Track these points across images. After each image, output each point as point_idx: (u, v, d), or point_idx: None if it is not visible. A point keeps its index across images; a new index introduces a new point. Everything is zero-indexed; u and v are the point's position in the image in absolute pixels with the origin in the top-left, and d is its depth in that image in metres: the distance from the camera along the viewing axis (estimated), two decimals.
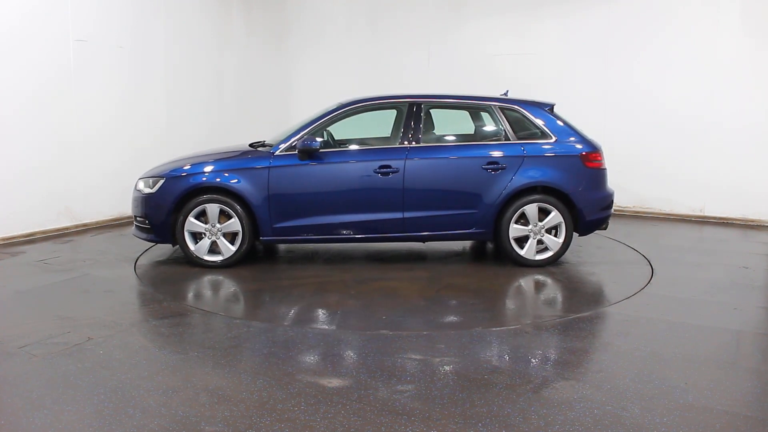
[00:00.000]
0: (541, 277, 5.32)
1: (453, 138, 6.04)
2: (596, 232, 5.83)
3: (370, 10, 10.25)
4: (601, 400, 3.03)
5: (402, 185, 5.40)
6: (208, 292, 4.96)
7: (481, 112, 5.99)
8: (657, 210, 8.57)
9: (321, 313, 4.39)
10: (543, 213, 5.50)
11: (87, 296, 4.69)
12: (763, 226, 7.78)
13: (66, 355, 3.50)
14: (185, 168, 5.50)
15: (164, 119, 8.29)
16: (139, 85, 7.88)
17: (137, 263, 5.67)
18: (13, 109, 6.40)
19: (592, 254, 6.16)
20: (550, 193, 5.51)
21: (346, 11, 10.43)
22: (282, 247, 6.41)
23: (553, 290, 5.07)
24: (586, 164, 5.51)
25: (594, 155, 5.56)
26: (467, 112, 6.11)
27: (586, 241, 6.49)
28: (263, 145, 5.87)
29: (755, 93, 7.80)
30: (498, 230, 5.50)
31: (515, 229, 5.49)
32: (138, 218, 5.66)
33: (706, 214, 8.24)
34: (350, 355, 3.66)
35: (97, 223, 7.41)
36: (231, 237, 5.45)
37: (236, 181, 5.37)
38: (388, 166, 5.41)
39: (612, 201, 5.73)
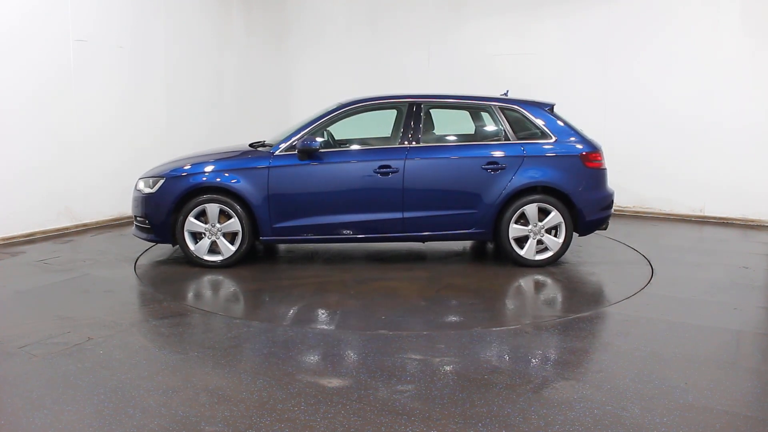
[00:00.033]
0: (541, 277, 5.32)
1: (453, 138, 6.05)
2: (596, 232, 5.83)
3: (370, 10, 10.24)
4: (601, 400, 3.03)
5: (402, 185, 5.40)
6: (208, 292, 4.96)
7: (481, 112, 5.99)
8: (657, 210, 8.57)
9: (321, 313, 4.39)
10: (543, 213, 5.49)
11: (87, 296, 4.69)
12: (763, 226, 7.78)
13: (66, 355, 3.51)
14: (185, 168, 5.50)
15: (164, 119, 8.29)
16: (139, 85, 7.88)
17: (137, 263, 5.68)
18: (13, 109, 6.40)
19: (592, 254, 6.16)
20: (550, 193, 5.51)
21: (346, 11, 10.43)
22: (282, 247, 6.41)
23: (553, 290, 5.07)
24: (586, 164, 5.51)
25: (594, 155, 5.56)
26: (467, 112, 6.11)
27: (586, 241, 6.49)
28: (263, 145, 5.87)
29: (755, 93, 7.80)
30: (498, 230, 5.50)
31: (515, 229, 5.49)
32: (138, 218, 5.66)
33: (706, 214, 8.24)
34: (350, 355, 3.66)
35: (97, 223, 7.41)
36: (231, 237, 5.45)
37: (236, 181, 5.37)
38: (388, 166, 5.41)
39: (612, 201, 5.73)
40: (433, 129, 5.93)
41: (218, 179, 5.39)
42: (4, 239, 6.39)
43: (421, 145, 5.53)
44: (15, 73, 6.39)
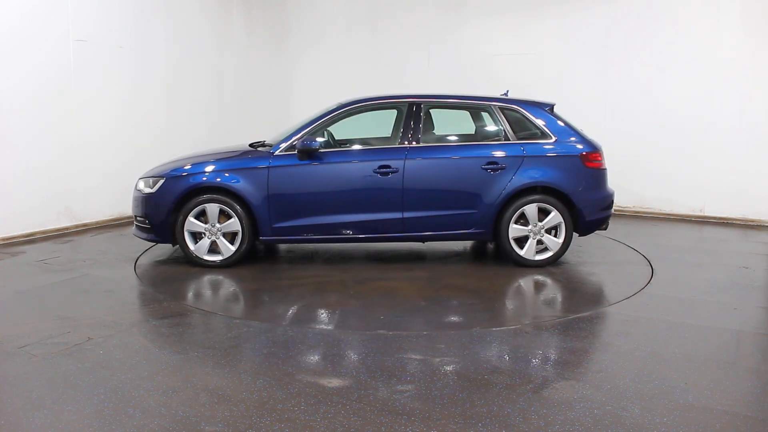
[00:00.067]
0: (540, 278, 5.32)
1: (453, 138, 6.05)
2: (596, 232, 5.83)
3: (370, 10, 10.24)
4: (601, 400, 3.03)
5: (401, 185, 5.40)
6: (208, 292, 4.96)
7: (481, 112, 5.99)
8: (657, 210, 8.57)
9: (321, 313, 4.39)
10: (543, 213, 5.49)
11: (87, 296, 4.69)
12: (763, 226, 7.78)
13: (66, 355, 3.51)
14: (185, 168, 5.50)
15: (164, 119, 8.29)
16: (139, 85, 7.88)
17: (137, 263, 5.68)
18: (13, 109, 6.40)
19: (592, 254, 6.16)
20: (549, 193, 5.51)
21: (346, 11, 10.43)
22: (282, 247, 6.41)
23: (552, 290, 5.07)
24: (586, 164, 5.51)
25: (594, 155, 5.55)
26: (467, 112, 6.11)
27: (586, 241, 6.49)
28: (263, 145, 5.87)
29: (755, 93, 7.80)
30: (498, 230, 5.50)
31: (515, 230, 5.49)
32: (138, 218, 5.66)
33: (706, 214, 8.24)
34: (350, 355, 3.66)
35: (97, 223, 7.41)
36: (231, 237, 5.45)
37: (236, 181, 5.37)
38: (388, 166, 5.41)
39: (612, 201, 5.72)
40: (433, 129, 5.93)
41: (218, 179, 5.39)
42: (4, 239, 6.39)
43: (421, 145, 5.53)
44: (15, 73, 6.39)
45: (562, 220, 5.48)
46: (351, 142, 6.03)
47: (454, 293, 4.87)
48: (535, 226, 5.49)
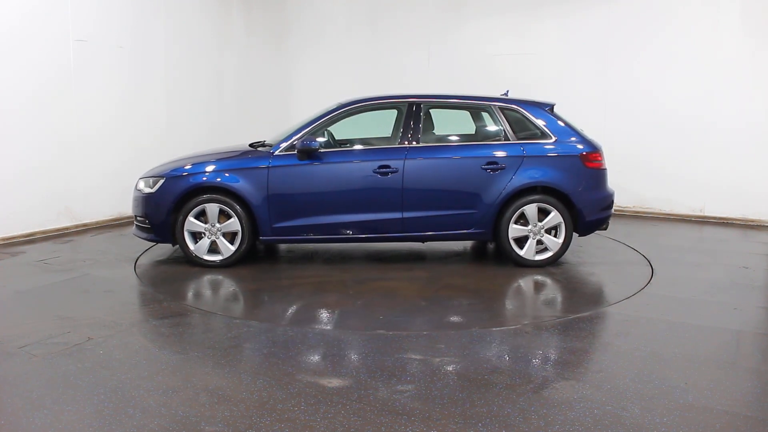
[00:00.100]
0: (540, 278, 5.32)
1: (452, 138, 6.04)
2: (596, 232, 5.83)
3: (370, 10, 10.24)
4: (601, 400, 3.03)
5: (401, 185, 5.40)
6: (207, 292, 4.96)
7: (481, 112, 5.98)
8: (657, 210, 8.57)
9: (321, 313, 4.39)
10: (543, 213, 5.49)
11: (87, 296, 4.69)
12: (763, 226, 7.78)
13: (66, 355, 3.51)
14: (185, 168, 5.50)
15: (164, 119, 8.29)
16: (139, 85, 7.88)
17: (137, 263, 5.68)
18: (13, 109, 6.40)
19: (592, 254, 6.16)
20: (549, 193, 5.51)
21: (346, 11, 10.43)
22: (282, 247, 6.41)
23: (552, 290, 5.07)
24: (586, 164, 5.51)
25: (594, 155, 5.55)
26: (467, 112, 6.11)
27: (586, 242, 6.49)
28: (263, 145, 5.87)
29: (755, 93, 7.80)
30: (497, 230, 5.50)
31: (515, 230, 5.49)
32: (138, 218, 5.66)
33: (706, 214, 8.24)
34: (350, 355, 3.66)
35: (97, 223, 7.41)
36: (231, 237, 5.45)
37: (236, 180, 5.37)
38: (388, 166, 5.41)
39: (612, 201, 5.72)
40: (433, 129, 5.93)
41: (218, 179, 5.39)
42: (4, 239, 6.39)
43: (421, 145, 5.53)
44: (15, 73, 6.39)
45: (562, 220, 5.48)
46: (351, 142, 6.03)
47: (454, 293, 4.87)
48: (535, 226, 5.49)
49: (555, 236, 5.53)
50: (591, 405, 2.97)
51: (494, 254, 6.20)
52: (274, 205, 5.38)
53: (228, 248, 5.44)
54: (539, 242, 5.53)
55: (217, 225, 5.42)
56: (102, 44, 7.30)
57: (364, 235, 5.51)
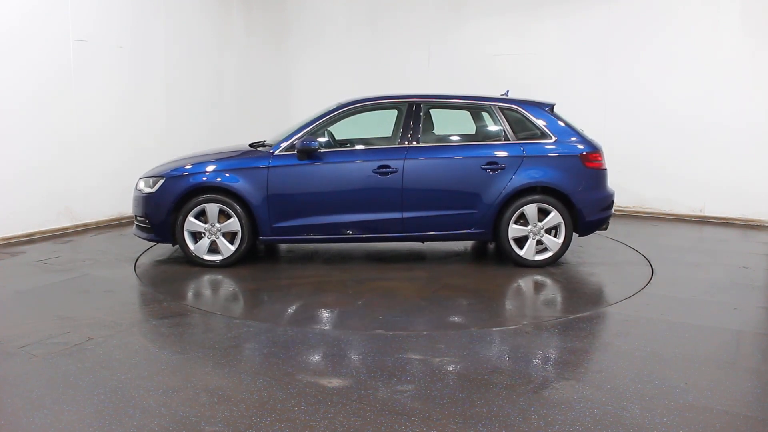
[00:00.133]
0: (540, 278, 5.32)
1: (452, 138, 6.04)
2: (596, 232, 5.83)
3: (370, 10, 10.25)
4: (601, 400, 3.03)
5: (401, 185, 5.40)
6: (207, 292, 4.96)
7: (481, 112, 5.98)
8: (657, 210, 8.57)
9: (321, 313, 4.39)
10: (542, 213, 5.49)
11: (87, 296, 4.69)
12: (763, 226, 7.78)
13: (66, 355, 3.51)
14: (185, 168, 5.50)
15: (164, 119, 8.29)
16: (139, 85, 7.88)
17: (137, 263, 5.68)
18: (13, 109, 6.40)
19: (592, 254, 6.16)
20: (549, 193, 5.51)
21: (346, 11, 10.43)
22: (282, 246, 6.41)
23: (552, 290, 5.07)
24: (586, 164, 5.51)
25: (594, 155, 5.55)
26: (467, 112, 6.11)
27: (586, 242, 6.49)
28: (263, 145, 5.87)
29: (755, 93, 7.80)
30: (497, 230, 5.50)
31: (514, 230, 5.48)
32: (138, 218, 5.66)
33: (706, 214, 8.24)
34: (350, 355, 3.66)
35: (97, 223, 7.41)
36: (230, 236, 5.45)
37: (236, 180, 5.37)
38: (387, 166, 5.41)
39: (612, 201, 5.72)
40: (433, 129, 5.93)
41: (218, 179, 5.39)
42: (4, 239, 6.39)
43: (421, 145, 5.53)
44: (15, 73, 6.39)
45: (562, 221, 5.48)
46: (351, 142, 6.03)
47: (454, 293, 4.87)
48: (535, 227, 5.49)
49: (555, 236, 5.53)
50: (591, 405, 2.97)
51: (494, 254, 6.20)
52: (273, 205, 5.38)
53: (228, 248, 5.44)
54: (539, 242, 5.53)
55: (217, 225, 5.42)
56: (102, 44, 7.30)
57: (363, 235, 5.51)
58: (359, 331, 3.98)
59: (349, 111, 5.66)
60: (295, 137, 5.50)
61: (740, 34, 7.82)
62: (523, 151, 5.49)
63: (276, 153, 5.46)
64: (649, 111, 8.42)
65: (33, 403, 2.94)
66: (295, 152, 5.43)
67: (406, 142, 5.52)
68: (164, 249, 6.17)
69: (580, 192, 5.48)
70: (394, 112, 6.04)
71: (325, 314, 4.38)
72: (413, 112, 5.62)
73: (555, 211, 5.46)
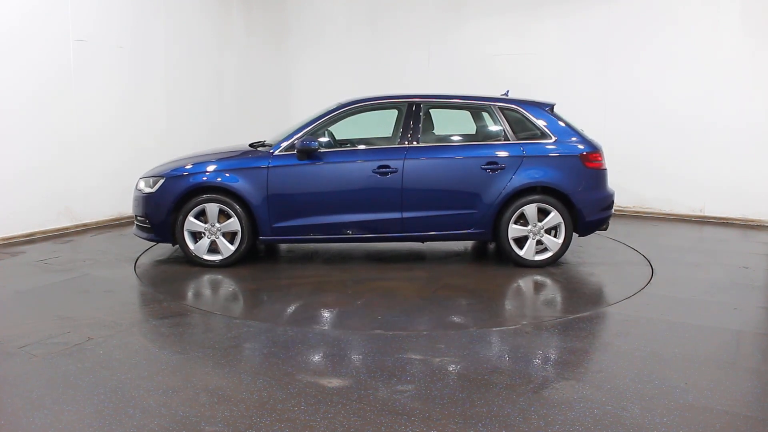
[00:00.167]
0: (540, 278, 5.32)
1: (452, 138, 6.04)
2: (596, 232, 5.82)
3: (370, 10, 10.25)
4: (601, 400, 3.03)
5: (401, 185, 5.40)
6: (207, 292, 4.96)
7: (481, 112, 5.98)
8: (657, 210, 8.57)
9: (321, 313, 4.39)
10: (542, 213, 5.49)
11: (87, 296, 4.69)
12: (763, 226, 7.78)
13: (66, 355, 3.51)
14: (185, 167, 5.51)
15: (164, 119, 8.29)
16: (139, 85, 7.88)
17: (137, 263, 5.68)
18: (13, 109, 6.40)
19: (592, 254, 6.16)
20: (549, 193, 5.50)
21: (346, 11, 10.43)
22: (283, 246, 6.42)
23: (552, 290, 5.07)
24: (586, 164, 5.51)
25: (594, 155, 5.55)
26: (467, 112, 6.11)
27: (586, 242, 6.49)
28: (263, 145, 5.87)
29: (755, 93, 7.80)
30: (497, 230, 5.50)
31: (514, 230, 5.48)
32: (139, 218, 5.67)
33: (706, 214, 8.24)
34: (350, 355, 3.66)
35: (97, 223, 7.41)
36: (230, 236, 5.45)
37: (235, 180, 5.37)
38: (387, 166, 5.41)
39: (612, 201, 5.72)
40: (433, 129, 5.93)
41: (218, 179, 5.39)
42: (4, 239, 6.39)
43: (421, 145, 5.53)
44: (15, 73, 6.39)
45: (562, 221, 5.48)
46: (351, 142, 6.03)
47: (454, 293, 4.87)
48: (535, 227, 5.49)
49: (555, 236, 5.53)
50: (591, 405, 2.97)
51: (494, 254, 6.20)
52: (273, 204, 5.38)
53: (228, 248, 5.44)
54: (539, 242, 5.53)
55: (217, 225, 5.42)
56: (102, 44, 7.30)
57: (363, 235, 5.51)
58: (359, 331, 3.98)
59: (349, 111, 5.66)
60: (295, 137, 5.50)
61: (740, 34, 7.82)
62: (523, 151, 5.49)
63: (276, 153, 5.46)
64: (649, 111, 8.42)
65: (33, 403, 2.94)
66: (295, 152, 5.43)
67: (406, 142, 5.52)
68: (164, 249, 6.17)
69: (580, 192, 5.48)
70: (394, 112, 6.04)
71: (325, 314, 4.38)
72: (413, 112, 5.62)
73: (555, 211, 5.46)
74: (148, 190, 5.53)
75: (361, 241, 5.69)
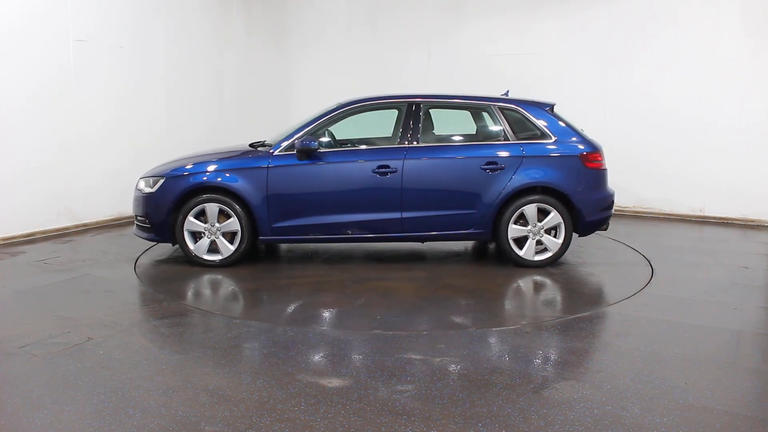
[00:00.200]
0: (540, 278, 5.32)
1: (452, 138, 6.04)
2: (596, 232, 5.82)
3: (370, 10, 10.25)
4: (601, 400, 3.03)
5: (400, 185, 5.40)
6: (207, 292, 4.96)
7: (481, 112, 5.98)
8: (657, 210, 8.57)
9: (320, 313, 4.39)
10: (542, 213, 5.49)
11: (87, 296, 4.69)
12: (763, 226, 7.78)
13: (66, 355, 3.51)
14: (185, 167, 5.51)
15: (164, 119, 8.29)
16: (139, 85, 7.88)
17: (137, 263, 5.68)
18: (13, 109, 6.40)
19: (592, 255, 6.16)
20: (549, 193, 5.50)
21: (346, 11, 10.43)
22: (283, 246, 6.41)
23: (552, 290, 5.07)
24: (585, 164, 5.51)
25: (594, 155, 5.55)
26: (467, 112, 6.11)
27: (586, 242, 6.49)
28: (263, 145, 5.87)
29: (755, 93, 7.80)
30: (497, 230, 5.50)
31: (514, 230, 5.48)
32: (139, 217, 5.67)
33: (706, 214, 8.24)
34: (350, 355, 3.66)
35: (97, 223, 7.41)
36: (230, 236, 5.45)
37: (235, 180, 5.37)
38: (387, 166, 5.41)
39: (612, 201, 5.72)
40: (433, 129, 5.93)
41: (218, 179, 5.39)
42: (4, 239, 6.39)
43: (420, 145, 5.53)
44: (15, 73, 6.39)
45: (562, 221, 5.47)
46: (351, 142, 6.03)
47: (454, 293, 4.87)
48: (535, 227, 5.49)
49: (555, 236, 5.53)
50: (591, 405, 2.97)
51: (494, 254, 6.20)
52: (273, 204, 5.38)
53: (228, 248, 5.44)
54: (539, 242, 5.53)
55: (217, 225, 5.42)
56: (102, 44, 7.30)
57: (363, 235, 5.51)
58: (359, 331, 3.98)
59: (349, 111, 5.66)
60: (295, 137, 5.50)
61: (740, 34, 7.82)
62: (522, 151, 5.49)
63: (276, 153, 5.46)
64: (649, 111, 8.42)
65: (33, 403, 2.94)
66: (295, 152, 5.43)
67: (406, 142, 5.52)
68: (164, 249, 6.17)
69: (580, 192, 5.47)
70: (394, 112, 6.04)
71: (325, 314, 4.38)
72: (413, 112, 5.62)
73: (555, 211, 5.46)
74: (148, 190, 5.53)
75: (360, 241, 5.69)
